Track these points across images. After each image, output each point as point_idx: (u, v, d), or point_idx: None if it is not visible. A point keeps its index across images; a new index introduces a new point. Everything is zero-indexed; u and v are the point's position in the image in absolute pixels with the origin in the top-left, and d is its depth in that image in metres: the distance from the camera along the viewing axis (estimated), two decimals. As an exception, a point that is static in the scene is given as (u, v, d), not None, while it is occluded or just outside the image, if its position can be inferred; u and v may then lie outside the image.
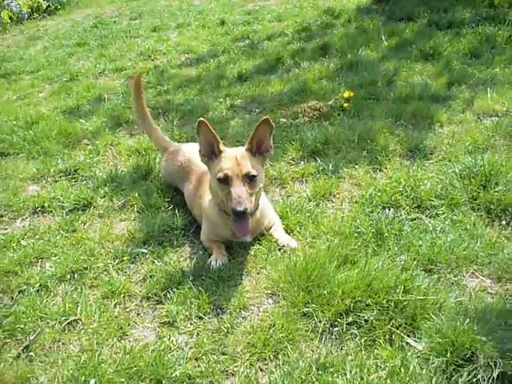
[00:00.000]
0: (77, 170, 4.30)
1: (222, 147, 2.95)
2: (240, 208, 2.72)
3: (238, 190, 2.78)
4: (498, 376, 2.07)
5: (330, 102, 4.81)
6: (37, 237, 3.49)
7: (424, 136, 4.09)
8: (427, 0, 7.92)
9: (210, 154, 2.98)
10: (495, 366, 2.10)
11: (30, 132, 5.06)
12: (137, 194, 3.77)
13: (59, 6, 13.49)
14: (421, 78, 5.27)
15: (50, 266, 3.15)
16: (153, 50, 7.96)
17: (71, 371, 2.33)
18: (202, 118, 2.93)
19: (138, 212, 3.60)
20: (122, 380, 2.25)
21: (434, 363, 2.16)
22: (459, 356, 2.15)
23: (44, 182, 4.25)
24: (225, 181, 2.84)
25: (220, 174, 2.85)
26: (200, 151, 3.01)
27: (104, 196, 3.84)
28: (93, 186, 4.01)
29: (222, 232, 3.07)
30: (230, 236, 3.04)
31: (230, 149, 3.03)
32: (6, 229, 3.68)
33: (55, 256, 3.24)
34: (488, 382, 2.07)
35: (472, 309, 2.43)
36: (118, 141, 4.81)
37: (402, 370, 2.16)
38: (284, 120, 4.64)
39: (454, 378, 2.12)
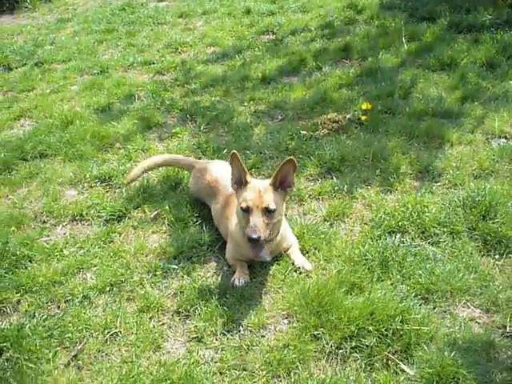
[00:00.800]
0: (111, 177, 4.67)
1: (248, 178, 3.31)
2: (254, 236, 3.10)
3: (256, 219, 3.15)
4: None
5: (348, 116, 5.11)
6: (77, 246, 3.89)
7: (434, 157, 4.40)
8: (450, -2, 8.09)
9: (239, 182, 3.34)
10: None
11: (66, 134, 5.43)
12: (167, 207, 4.14)
13: (86, -17, 13.67)
14: (436, 91, 5.53)
15: (91, 278, 3.56)
16: (180, 41, 8.22)
17: (115, 381, 2.75)
18: (234, 151, 3.30)
19: (168, 225, 3.98)
20: (158, 391, 2.66)
21: (422, 390, 2.54)
22: (445, 383, 2.53)
23: (80, 187, 4.64)
24: (246, 210, 3.21)
25: (243, 204, 3.22)
26: (232, 179, 3.39)
27: (137, 207, 4.22)
28: (126, 195, 4.38)
29: (245, 252, 3.43)
30: (253, 256, 3.40)
31: (256, 180, 3.39)
32: (48, 236, 4.08)
33: (95, 267, 3.65)
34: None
35: (460, 339, 2.79)
36: (149, 145, 5.17)
37: (396, 393, 2.54)
38: (304, 132, 4.96)
39: (439, 404, 2.50)
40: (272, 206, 3.20)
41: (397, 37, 7.07)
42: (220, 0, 10.58)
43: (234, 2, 10.21)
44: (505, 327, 2.86)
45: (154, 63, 7.52)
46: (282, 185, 3.32)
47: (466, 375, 2.54)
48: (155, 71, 7.22)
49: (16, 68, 8.07)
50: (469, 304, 3.05)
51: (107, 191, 4.54)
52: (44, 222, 4.25)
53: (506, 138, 4.63)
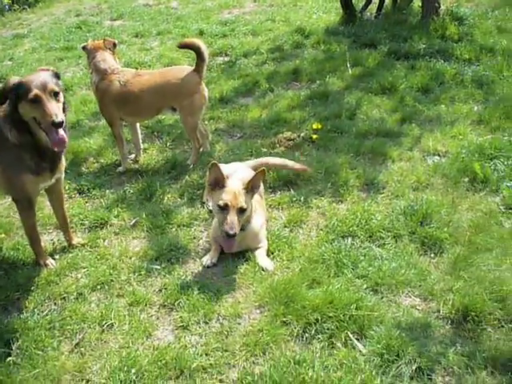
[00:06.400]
0: (89, 189, 5.12)
1: (226, 182, 3.94)
2: (231, 232, 3.78)
3: (233, 217, 3.82)
4: (415, 369, 3.05)
5: (302, 134, 5.72)
6: (65, 250, 4.34)
7: (378, 172, 5.04)
8: (388, 27, 8.87)
9: (216, 184, 3.97)
10: (414, 362, 3.08)
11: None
12: (144, 215, 4.64)
13: (39, -1, 13.98)
14: (379, 113, 6.22)
15: (82, 278, 4.01)
16: (138, 61, 8.68)
17: (116, 362, 3.23)
18: (214, 161, 3.99)
19: (147, 231, 4.48)
20: (155, 369, 3.16)
21: (374, 361, 3.13)
22: (391, 355, 3.13)
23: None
24: (224, 208, 3.85)
25: (221, 202, 3.85)
26: (208, 182, 4.05)
27: (117, 216, 4.69)
28: (106, 205, 4.85)
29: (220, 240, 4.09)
30: (225, 249, 4.04)
31: (232, 183, 3.99)
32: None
33: (84, 268, 4.10)
34: (409, 373, 3.04)
35: (404, 321, 3.40)
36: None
37: (353, 365, 3.11)
38: (264, 150, 5.53)
39: (386, 371, 3.08)
40: (244, 207, 3.86)
41: (342, 61, 7.75)
42: (173, 21, 11.10)
43: (188, 24, 10.73)
44: (439, 311, 3.49)
45: (115, 82, 7.93)
46: (251, 188, 3.97)
47: (408, 348, 3.15)
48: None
49: (-22, 84, 8.32)
50: (410, 294, 3.67)
51: (86, 202, 4.99)
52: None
53: (439, 155, 5.31)
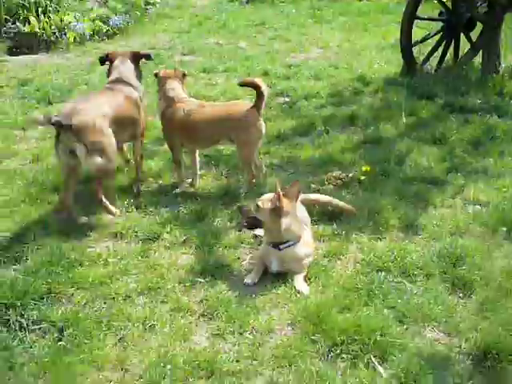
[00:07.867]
0: (146, 206, 5.51)
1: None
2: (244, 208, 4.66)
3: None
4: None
5: (350, 175, 5.99)
6: (118, 257, 4.70)
7: (419, 215, 5.25)
8: (447, 80, 9.12)
9: None
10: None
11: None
12: (195, 234, 4.98)
13: (117, 31, 14.79)
14: (427, 161, 6.43)
15: (131, 282, 4.36)
16: (203, 94, 9.13)
17: (154, 358, 3.54)
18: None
19: (195, 248, 4.82)
20: (188, 368, 3.46)
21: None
22: (409, 380, 3.33)
23: (119, 211, 5.44)
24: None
25: None
26: None
27: (169, 231, 5.04)
28: (160, 221, 5.22)
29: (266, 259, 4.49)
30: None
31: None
32: (93, 247, 4.89)
33: (134, 275, 4.46)
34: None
35: (425, 351, 3.61)
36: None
37: (372, 386, 3.35)
38: (314, 186, 5.82)
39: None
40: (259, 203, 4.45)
41: (397, 110, 7.98)
42: (240, 60, 11.60)
43: (253, 64, 11.17)
44: (460, 347, 3.67)
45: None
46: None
47: (426, 376, 3.35)
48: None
49: (56, 103, 8.95)
50: (435, 329, 3.86)
51: (142, 217, 5.36)
52: (89, 235, 5.06)
53: (480, 204, 5.48)
